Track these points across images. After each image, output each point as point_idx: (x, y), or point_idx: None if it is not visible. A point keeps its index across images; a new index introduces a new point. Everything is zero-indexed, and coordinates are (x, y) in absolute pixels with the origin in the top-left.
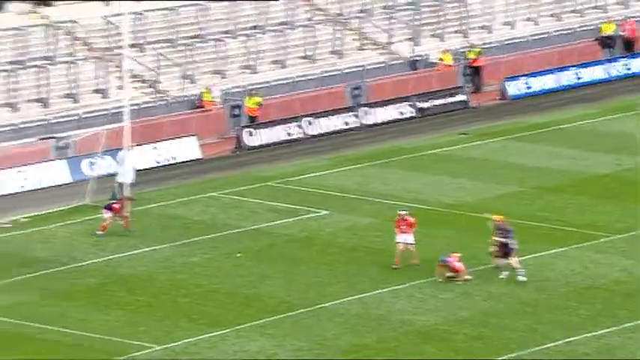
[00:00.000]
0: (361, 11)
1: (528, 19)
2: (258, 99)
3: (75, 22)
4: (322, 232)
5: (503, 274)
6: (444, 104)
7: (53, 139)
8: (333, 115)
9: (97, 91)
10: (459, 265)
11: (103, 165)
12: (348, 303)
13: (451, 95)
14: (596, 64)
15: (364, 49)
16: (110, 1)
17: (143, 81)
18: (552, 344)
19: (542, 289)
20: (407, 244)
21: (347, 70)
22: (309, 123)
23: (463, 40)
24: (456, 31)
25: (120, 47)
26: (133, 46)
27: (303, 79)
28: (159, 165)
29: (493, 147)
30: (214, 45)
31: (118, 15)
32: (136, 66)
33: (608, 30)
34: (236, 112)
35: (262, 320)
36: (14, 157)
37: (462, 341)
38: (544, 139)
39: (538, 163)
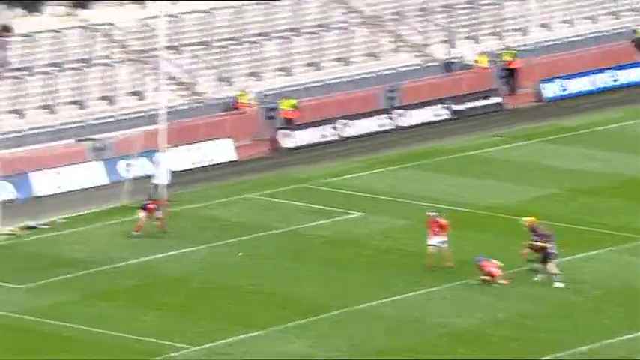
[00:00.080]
0: (397, 13)
1: (564, 22)
2: (293, 101)
3: (112, 24)
4: (357, 234)
5: (538, 277)
6: (479, 106)
7: (90, 141)
8: (367, 117)
9: (133, 93)
10: (495, 270)
11: (139, 167)
12: (383, 305)
13: (486, 97)
14: (632, 67)
15: (399, 52)
16: (147, 2)
17: (179, 83)
18: (588, 346)
19: (577, 292)
20: (439, 246)
21: (382, 73)
22: (344, 125)
23: (498, 42)
24: (491, 34)
25: (156, 49)
26: (169, 48)
27: (338, 81)
28: (194, 167)
29: (528, 149)
30: (250, 47)
31: (155, 17)
32: (172, 68)
33: None
34: (271, 114)
35: (298, 321)
36: (52, 159)
37: (497, 343)
38: (579, 141)
39: (572, 166)
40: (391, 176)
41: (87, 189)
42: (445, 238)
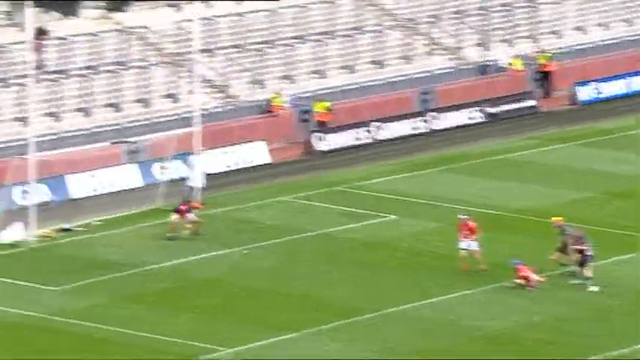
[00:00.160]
0: (431, 16)
1: (599, 24)
2: (327, 104)
3: (147, 27)
4: (389, 237)
5: (576, 281)
6: (514, 109)
7: (125, 144)
8: (401, 120)
9: (168, 95)
10: (530, 275)
11: (174, 169)
12: (417, 308)
13: (520, 100)
14: None
15: (433, 54)
16: (182, 5)
17: (213, 86)
18: (623, 350)
19: (613, 295)
20: (469, 250)
21: (416, 75)
22: (378, 128)
23: (533, 45)
24: (525, 36)
25: (191, 52)
26: (203, 51)
27: (372, 84)
28: (228, 169)
29: (562, 152)
30: (284, 50)
31: (189, 20)
32: (206, 71)
33: None
34: (305, 116)
35: (332, 324)
36: (87, 161)
37: (533, 346)
38: (613, 144)
39: (607, 169)
40: (424, 179)
41: (122, 191)
42: (475, 241)
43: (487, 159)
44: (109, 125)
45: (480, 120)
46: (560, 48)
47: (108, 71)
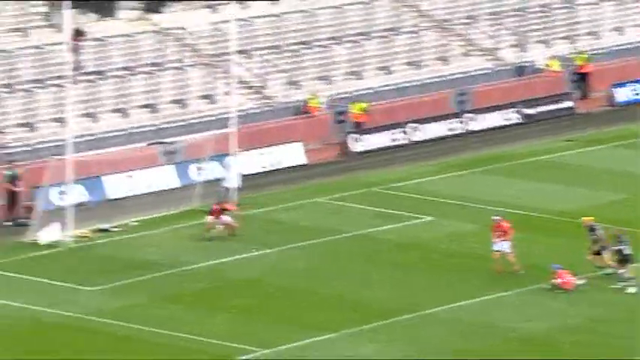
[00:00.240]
0: (467, 17)
1: (637, 25)
2: (363, 105)
3: (184, 28)
4: (426, 238)
5: (620, 284)
6: (551, 111)
7: (162, 144)
8: (438, 121)
9: (204, 96)
10: (569, 279)
11: (210, 170)
12: (453, 309)
13: (558, 102)
14: None
15: (470, 55)
16: (219, 6)
17: (250, 87)
18: None
19: None
20: (502, 251)
21: (452, 77)
22: (414, 129)
23: (570, 46)
24: (563, 37)
25: (227, 53)
26: (240, 52)
27: (408, 85)
28: (264, 170)
29: (599, 154)
30: (320, 51)
31: (226, 22)
32: (242, 72)
33: None
34: (341, 117)
35: (369, 325)
36: (124, 162)
37: (569, 348)
38: None
39: None
40: (460, 180)
41: (158, 192)
42: (508, 242)
43: (524, 160)
44: (146, 126)
45: (517, 121)
46: (597, 49)
47: (145, 72)
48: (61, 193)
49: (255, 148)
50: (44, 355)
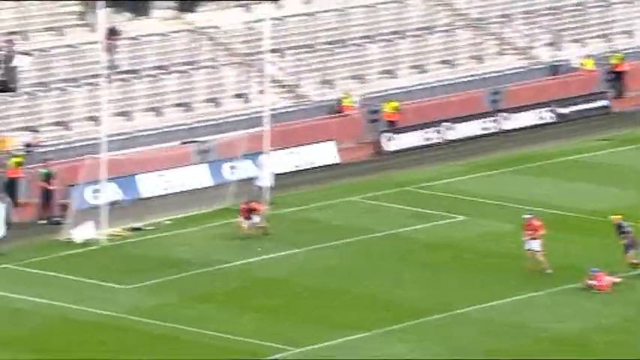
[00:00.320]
0: (502, 16)
1: None
2: (396, 104)
3: (217, 27)
4: (458, 238)
5: None
6: (585, 110)
7: (195, 143)
8: (471, 120)
9: (237, 95)
10: (607, 282)
11: (243, 169)
12: (485, 309)
13: (592, 101)
14: None
15: (504, 54)
16: (252, 5)
17: (283, 86)
18: None
19: None
20: (533, 250)
21: (486, 75)
22: (448, 128)
23: (605, 45)
24: (597, 36)
25: (261, 52)
26: (273, 51)
27: (442, 84)
28: (297, 169)
29: (633, 153)
30: (354, 50)
31: (260, 21)
32: (276, 71)
33: None
34: (374, 117)
35: (400, 325)
36: (157, 161)
37: (602, 349)
38: None
39: None
40: (494, 180)
41: (191, 191)
42: (538, 241)
43: (558, 160)
44: (180, 125)
45: (551, 120)
46: (633, 48)
47: (178, 71)
48: (95, 191)
49: (288, 147)
50: (79, 353)
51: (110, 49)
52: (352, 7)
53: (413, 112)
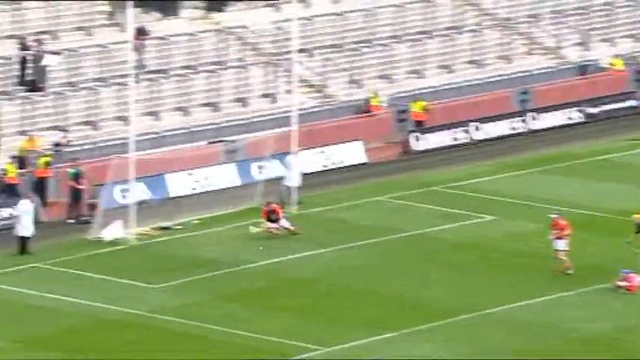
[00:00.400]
0: (530, 16)
1: None
2: (423, 103)
3: (245, 27)
4: (486, 238)
5: None
6: (614, 110)
7: (223, 143)
8: (499, 120)
9: (265, 95)
10: (637, 281)
11: (271, 168)
12: (513, 309)
13: (621, 101)
14: None
15: (532, 54)
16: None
17: (311, 85)
18: None
19: None
20: (560, 249)
21: (514, 75)
22: (476, 128)
23: (634, 44)
24: (626, 36)
25: (288, 52)
26: (301, 51)
27: (469, 83)
28: (325, 169)
29: None
30: (381, 50)
31: (287, 20)
32: (303, 71)
33: None
34: (402, 116)
35: (427, 325)
36: (185, 161)
37: (631, 349)
38: None
39: None
40: (522, 180)
41: (219, 190)
42: (564, 241)
43: (586, 160)
44: (207, 124)
45: (580, 120)
46: None
47: (206, 71)
48: (124, 191)
49: (315, 147)
50: (105, 352)
51: (138, 49)
52: (380, 7)
53: (441, 112)
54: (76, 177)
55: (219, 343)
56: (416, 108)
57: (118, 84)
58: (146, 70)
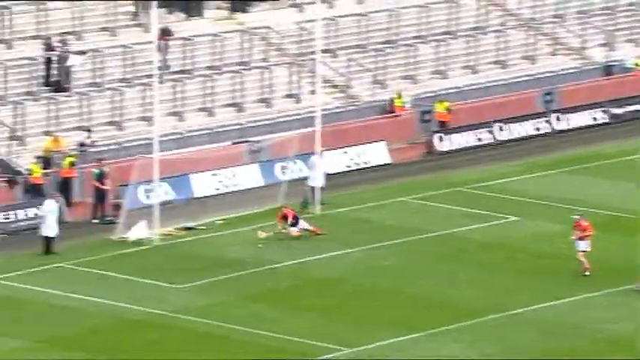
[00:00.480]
0: (555, 16)
1: None
2: (447, 104)
3: (269, 28)
4: (512, 238)
5: None
6: (639, 110)
7: (247, 143)
8: (524, 120)
9: (289, 95)
10: None
11: (295, 169)
12: (539, 309)
13: None
14: None
15: (557, 55)
16: (304, 5)
17: (334, 86)
18: None
19: None
20: (582, 250)
21: (539, 76)
22: (500, 128)
23: None
24: None
25: (312, 53)
26: (325, 51)
27: (494, 84)
28: (349, 169)
29: None
30: (405, 50)
31: (311, 21)
32: (327, 71)
33: None
34: (426, 117)
35: (454, 325)
36: (209, 161)
37: None
38: None
39: None
40: (547, 180)
41: (243, 191)
42: (585, 242)
43: (611, 160)
44: (231, 125)
45: (605, 121)
46: None
47: (230, 71)
48: (148, 191)
49: (339, 147)
50: (129, 352)
51: (163, 50)
52: (404, 8)
53: (465, 112)
54: (101, 177)
55: (241, 343)
56: (440, 109)
57: (143, 84)
58: (170, 70)
